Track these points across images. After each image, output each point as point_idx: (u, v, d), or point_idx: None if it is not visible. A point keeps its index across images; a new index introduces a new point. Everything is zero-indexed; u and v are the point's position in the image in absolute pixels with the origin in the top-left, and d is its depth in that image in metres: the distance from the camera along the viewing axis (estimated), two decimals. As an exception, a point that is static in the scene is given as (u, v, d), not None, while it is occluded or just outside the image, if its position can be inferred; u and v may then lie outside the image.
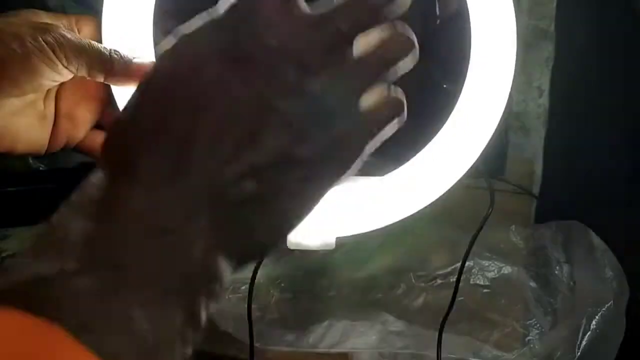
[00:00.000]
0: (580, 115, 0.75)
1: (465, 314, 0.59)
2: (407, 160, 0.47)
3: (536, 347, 0.53)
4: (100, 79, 0.42)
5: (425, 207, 0.47)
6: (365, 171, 0.38)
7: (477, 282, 0.62)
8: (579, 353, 0.51)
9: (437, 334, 0.54)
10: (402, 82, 0.34)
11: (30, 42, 0.39)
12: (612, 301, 0.53)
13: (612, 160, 0.73)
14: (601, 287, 0.54)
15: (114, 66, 0.41)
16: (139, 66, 0.42)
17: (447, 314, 0.56)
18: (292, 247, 0.42)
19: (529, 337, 0.56)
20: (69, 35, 0.40)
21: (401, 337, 0.57)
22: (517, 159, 0.72)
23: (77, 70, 0.41)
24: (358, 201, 0.46)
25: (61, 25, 0.42)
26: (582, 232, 0.61)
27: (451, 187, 0.47)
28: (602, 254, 0.58)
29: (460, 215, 0.59)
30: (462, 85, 0.49)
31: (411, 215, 0.46)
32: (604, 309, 0.53)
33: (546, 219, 0.69)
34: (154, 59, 0.43)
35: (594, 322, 0.52)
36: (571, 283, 0.59)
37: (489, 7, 0.45)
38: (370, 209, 0.46)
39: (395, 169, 0.47)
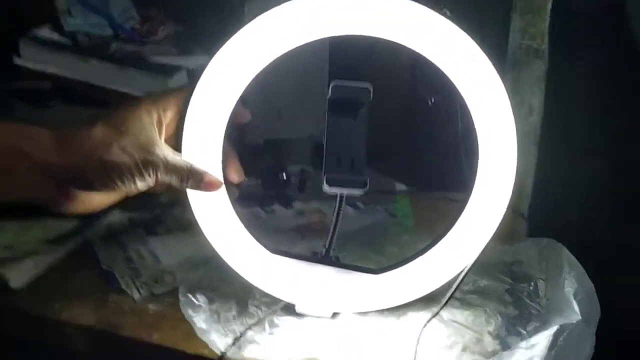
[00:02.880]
0: (571, 134, 0.75)
1: (439, 326, 0.59)
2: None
3: (506, 361, 0.54)
4: (178, 187, 0.59)
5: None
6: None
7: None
8: (547, 368, 0.52)
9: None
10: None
11: (137, 172, 0.56)
12: (581, 318, 0.53)
13: (598, 181, 0.73)
14: (572, 304, 0.55)
15: (189, 180, 0.58)
16: (209, 181, 0.58)
17: (424, 325, 0.57)
18: (299, 312, 0.59)
19: (500, 351, 0.56)
20: (167, 161, 0.57)
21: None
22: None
23: (166, 181, 0.58)
24: (353, 291, 0.59)
25: (162, 154, 0.57)
26: (557, 250, 0.61)
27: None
28: (575, 272, 0.58)
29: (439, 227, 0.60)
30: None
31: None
32: (572, 325, 0.53)
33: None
34: (221, 174, 0.59)
35: (561, 339, 0.52)
36: (545, 299, 0.60)
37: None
38: (363, 299, 0.59)
39: (390, 269, 0.59)
